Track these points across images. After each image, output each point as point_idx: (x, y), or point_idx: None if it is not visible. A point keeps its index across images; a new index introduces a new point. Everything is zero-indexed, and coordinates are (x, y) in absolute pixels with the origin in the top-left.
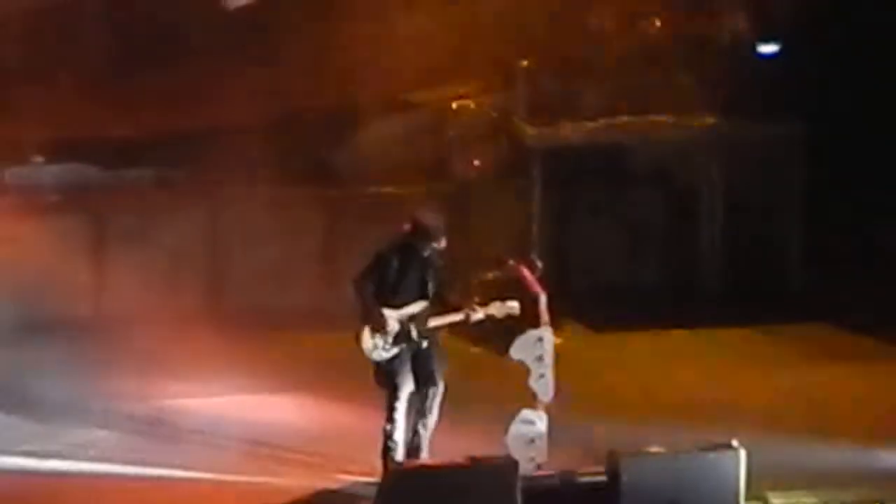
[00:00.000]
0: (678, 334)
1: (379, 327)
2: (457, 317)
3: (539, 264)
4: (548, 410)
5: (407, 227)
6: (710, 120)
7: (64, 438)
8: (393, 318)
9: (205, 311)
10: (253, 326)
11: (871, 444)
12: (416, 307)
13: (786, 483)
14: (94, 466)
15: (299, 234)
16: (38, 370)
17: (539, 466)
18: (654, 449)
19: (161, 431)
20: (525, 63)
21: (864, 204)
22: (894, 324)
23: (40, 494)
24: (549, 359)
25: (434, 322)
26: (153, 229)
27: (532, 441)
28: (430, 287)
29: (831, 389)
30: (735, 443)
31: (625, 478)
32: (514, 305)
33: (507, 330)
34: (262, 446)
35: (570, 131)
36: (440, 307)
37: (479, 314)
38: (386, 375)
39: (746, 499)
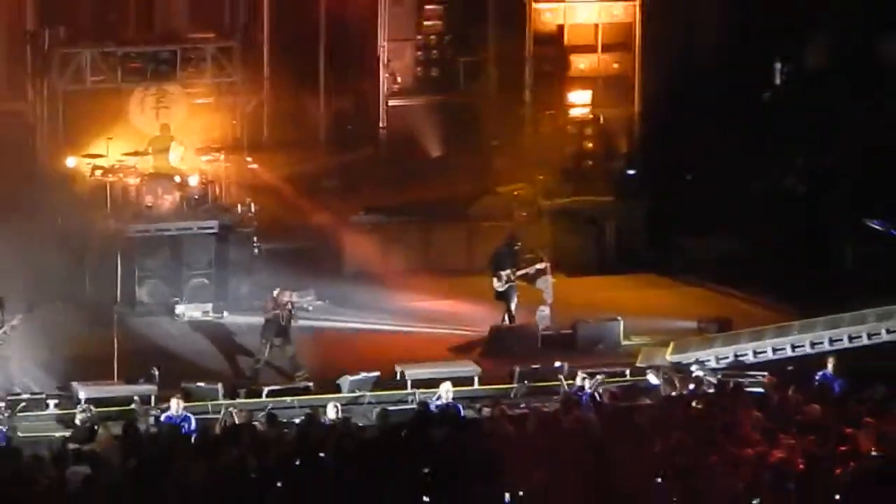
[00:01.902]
0: None
1: (498, 277)
2: (529, 269)
3: (545, 255)
4: (550, 307)
5: (507, 238)
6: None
7: (374, 316)
8: (504, 274)
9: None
10: (450, 277)
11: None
12: (511, 269)
13: (640, 331)
14: (382, 327)
15: (472, 243)
16: (365, 290)
17: (546, 329)
18: (592, 319)
19: (409, 315)
20: (540, 177)
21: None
22: None
23: (360, 342)
24: (550, 288)
25: (520, 272)
26: (414, 240)
27: (546, 317)
28: (517, 260)
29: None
30: (619, 317)
31: (579, 332)
32: (547, 264)
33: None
34: (451, 321)
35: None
36: (519, 267)
37: (535, 267)
38: (503, 298)
39: (623, 340)
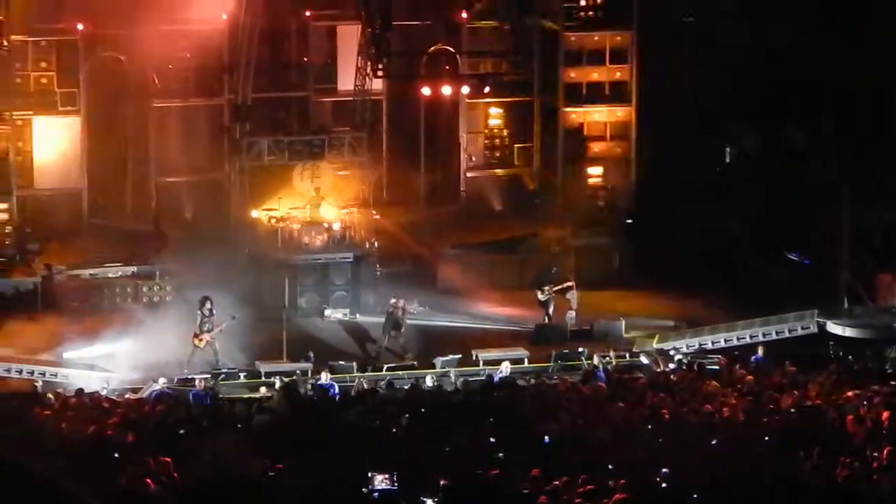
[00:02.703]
0: None
1: (541, 291)
2: (562, 286)
3: (572, 276)
4: (576, 311)
5: (546, 265)
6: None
7: (457, 317)
8: (545, 289)
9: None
10: (508, 291)
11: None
12: (549, 286)
13: (636, 328)
14: (463, 324)
15: (523, 268)
16: (451, 300)
17: (573, 326)
18: (604, 319)
19: (481, 316)
20: (569, 224)
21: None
22: None
23: (448, 334)
24: (575, 298)
25: (556, 288)
26: (484, 266)
27: (572, 318)
28: (553, 280)
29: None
30: (621, 318)
31: (595, 328)
32: (573, 282)
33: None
34: (509, 320)
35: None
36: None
37: (566, 284)
38: (544, 305)
39: (624, 333)
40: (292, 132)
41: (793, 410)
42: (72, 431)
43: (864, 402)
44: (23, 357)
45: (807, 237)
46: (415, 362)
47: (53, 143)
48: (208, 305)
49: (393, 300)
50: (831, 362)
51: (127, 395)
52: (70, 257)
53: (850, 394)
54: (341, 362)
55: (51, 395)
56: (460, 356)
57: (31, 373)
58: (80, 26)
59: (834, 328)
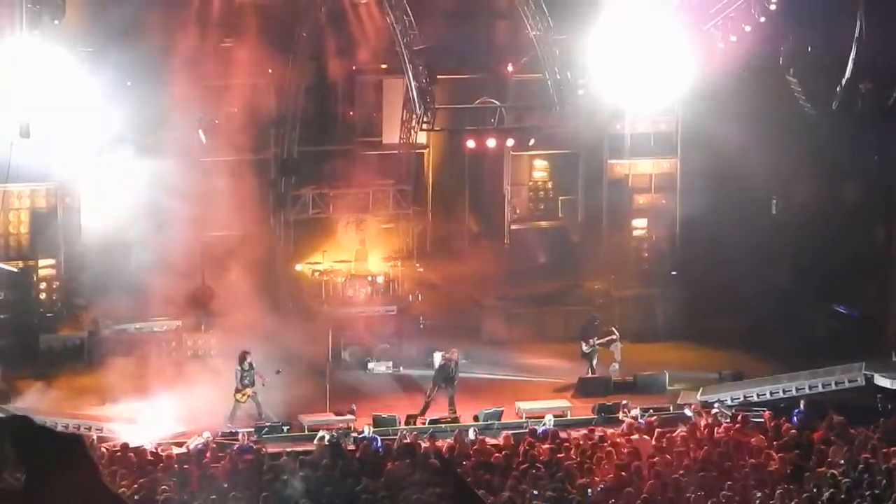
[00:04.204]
0: None
1: (584, 343)
2: (607, 339)
3: (616, 328)
4: (619, 364)
5: (590, 317)
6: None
7: (501, 370)
8: (589, 341)
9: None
10: (552, 343)
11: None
12: (593, 338)
13: (680, 380)
14: (506, 377)
15: (566, 320)
16: (495, 352)
17: (616, 378)
18: (648, 372)
19: (525, 369)
20: (612, 276)
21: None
22: None
23: (492, 386)
24: (619, 351)
25: (600, 341)
26: (528, 318)
27: (616, 370)
28: (597, 332)
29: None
30: (665, 370)
31: (638, 381)
32: (617, 334)
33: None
34: (552, 373)
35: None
36: (599, 336)
37: (610, 337)
38: (588, 357)
39: (668, 386)
40: (337, 185)
41: (841, 463)
42: (119, 485)
43: None
44: (70, 411)
45: (854, 289)
46: (457, 415)
47: (100, 197)
48: (248, 360)
49: (446, 353)
50: (879, 416)
51: (171, 449)
52: (116, 312)
53: None
54: (383, 415)
55: (104, 449)
56: (503, 409)
57: (78, 427)
58: (129, 83)
59: (882, 381)
